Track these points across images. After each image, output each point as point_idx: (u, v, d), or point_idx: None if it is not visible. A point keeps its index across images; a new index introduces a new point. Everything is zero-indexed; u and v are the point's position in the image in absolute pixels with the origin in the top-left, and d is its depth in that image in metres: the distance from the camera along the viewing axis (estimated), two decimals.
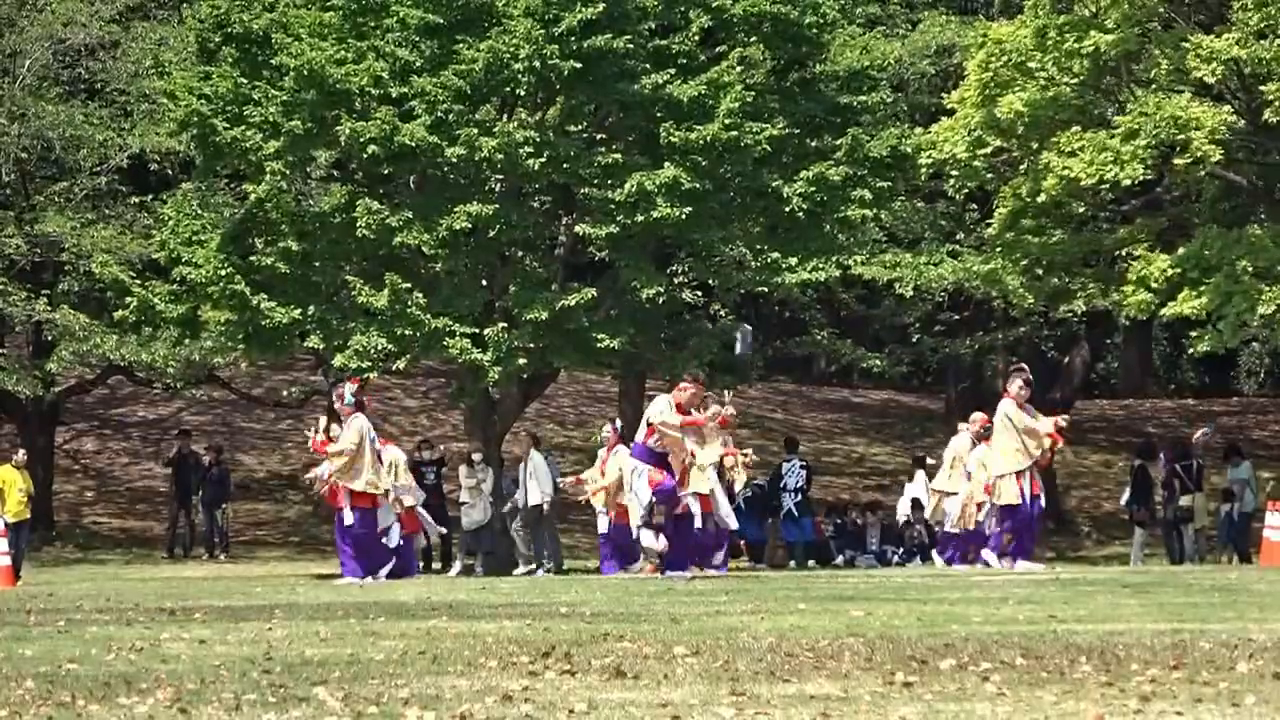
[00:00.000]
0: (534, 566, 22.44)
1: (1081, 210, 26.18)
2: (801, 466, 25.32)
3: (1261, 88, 22.76)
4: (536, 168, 22.00)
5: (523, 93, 22.57)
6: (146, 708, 5.49)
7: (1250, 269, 22.69)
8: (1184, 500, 23.65)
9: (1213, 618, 9.10)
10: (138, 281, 23.86)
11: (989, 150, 24.96)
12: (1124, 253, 25.73)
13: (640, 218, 21.96)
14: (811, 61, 24.22)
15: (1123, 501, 25.02)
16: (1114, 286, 25.00)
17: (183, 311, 23.22)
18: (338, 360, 22.48)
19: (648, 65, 22.55)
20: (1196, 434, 24.76)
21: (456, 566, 23.17)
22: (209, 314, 22.86)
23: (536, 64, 21.69)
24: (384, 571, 18.43)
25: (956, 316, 36.79)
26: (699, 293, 30.13)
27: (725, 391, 19.73)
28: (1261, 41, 22.62)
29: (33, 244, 28.42)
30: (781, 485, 24.88)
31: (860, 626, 8.54)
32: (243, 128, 22.60)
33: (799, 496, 24.85)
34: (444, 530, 23.09)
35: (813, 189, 22.73)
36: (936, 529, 22.53)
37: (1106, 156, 22.59)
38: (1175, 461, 24.02)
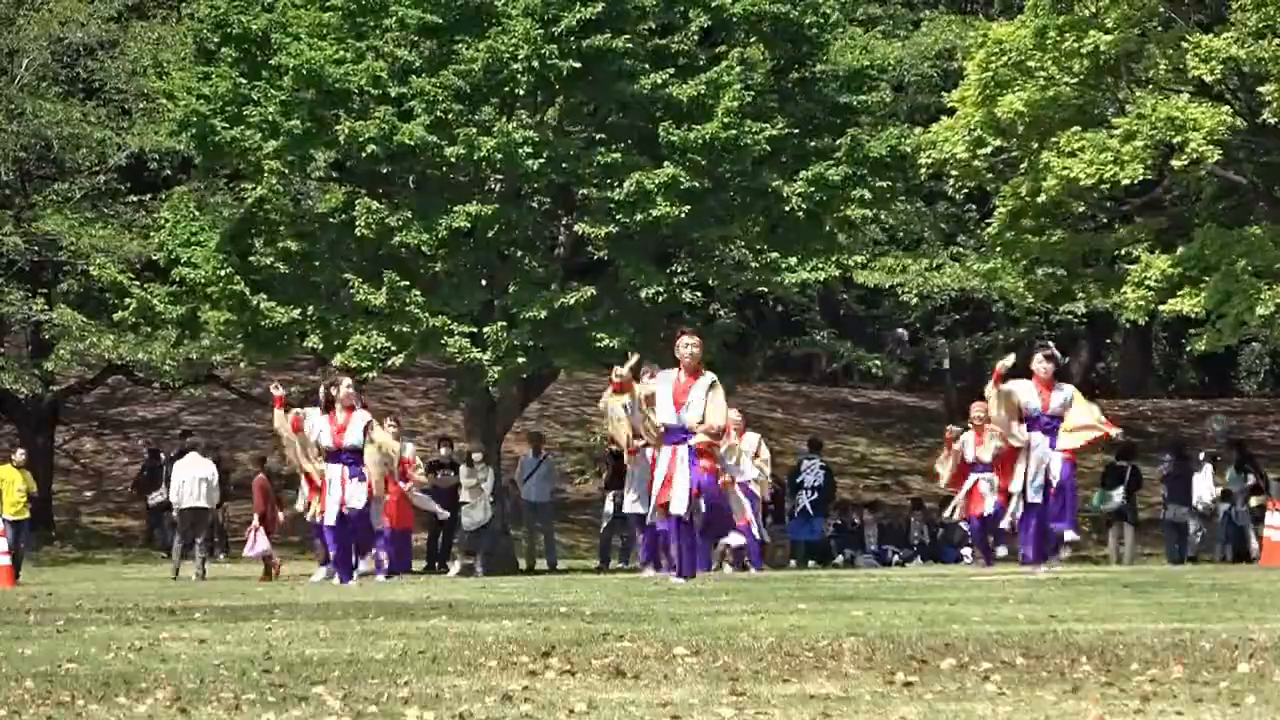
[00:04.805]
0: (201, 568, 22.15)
1: (1081, 210, 26.17)
2: (821, 467, 25.31)
3: (1260, 88, 22.75)
4: (536, 167, 21.99)
5: (522, 92, 22.56)
6: (146, 707, 5.48)
7: (1249, 269, 22.68)
8: (1255, 500, 24.19)
9: (1213, 617, 9.09)
10: (136, 283, 23.85)
11: (989, 150, 24.93)
12: (1124, 252, 25.72)
13: (640, 217, 21.95)
14: (811, 61, 24.20)
15: (1117, 499, 24.75)
16: (1114, 287, 24.98)
17: (182, 312, 23.22)
18: (338, 359, 22.46)
19: (647, 65, 22.54)
20: (1211, 423, 25.19)
21: (456, 566, 23.16)
22: (208, 314, 22.86)
23: (536, 64, 21.68)
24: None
25: (956, 316, 36.78)
26: (699, 293, 30.08)
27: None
28: (1260, 41, 22.59)
29: (31, 243, 28.41)
30: (799, 483, 24.86)
31: (860, 626, 8.53)
32: (242, 127, 22.61)
33: (815, 495, 24.80)
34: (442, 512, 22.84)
35: (812, 189, 22.71)
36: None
37: (1107, 157, 22.57)
38: (1243, 465, 24.84)
